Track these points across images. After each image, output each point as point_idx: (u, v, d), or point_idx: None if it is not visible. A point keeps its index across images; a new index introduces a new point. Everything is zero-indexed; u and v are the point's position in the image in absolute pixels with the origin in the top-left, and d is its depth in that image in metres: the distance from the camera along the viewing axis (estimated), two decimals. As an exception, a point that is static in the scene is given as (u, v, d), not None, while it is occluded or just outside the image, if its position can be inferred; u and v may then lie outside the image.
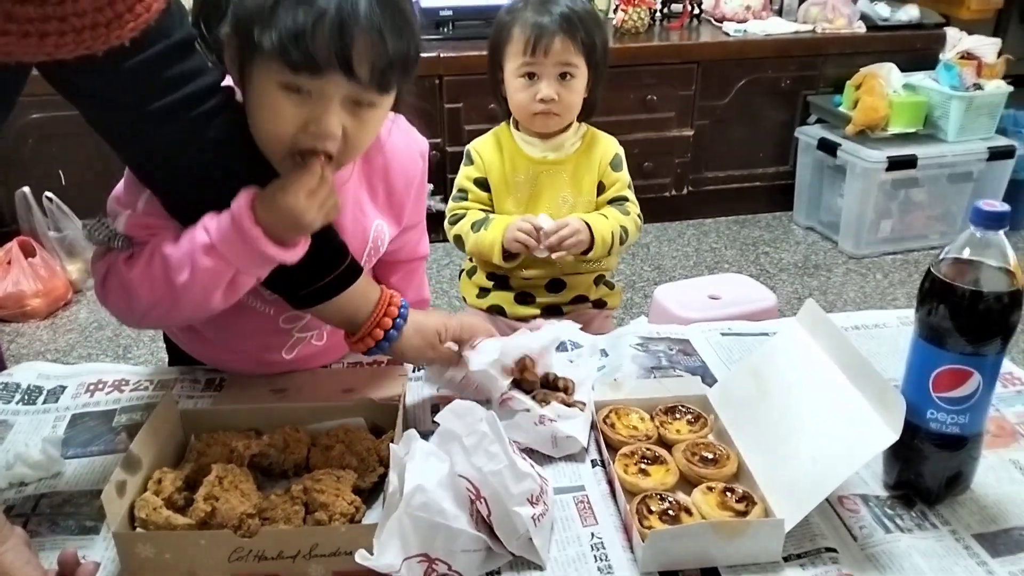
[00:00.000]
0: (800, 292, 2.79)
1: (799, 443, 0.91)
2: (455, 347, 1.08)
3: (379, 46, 0.85)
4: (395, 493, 0.83)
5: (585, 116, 1.57)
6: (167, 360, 1.30)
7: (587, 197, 1.57)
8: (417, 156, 1.17)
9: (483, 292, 1.65)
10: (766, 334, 1.31)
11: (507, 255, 1.50)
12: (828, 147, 3.07)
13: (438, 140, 3.01)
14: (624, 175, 1.57)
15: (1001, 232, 0.84)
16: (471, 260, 1.66)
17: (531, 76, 1.45)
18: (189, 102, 0.87)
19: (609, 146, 1.57)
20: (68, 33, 0.67)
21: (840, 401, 0.90)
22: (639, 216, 1.57)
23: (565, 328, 1.24)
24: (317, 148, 0.88)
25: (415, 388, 1.16)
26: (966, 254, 0.85)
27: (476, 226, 1.52)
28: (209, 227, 0.88)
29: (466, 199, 1.57)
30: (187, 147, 0.89)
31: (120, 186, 0.97)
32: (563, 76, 1.45)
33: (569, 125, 1.55)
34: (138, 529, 0.84)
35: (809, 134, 3.18)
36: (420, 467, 0.84)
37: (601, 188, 1.57)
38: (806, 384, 0.96)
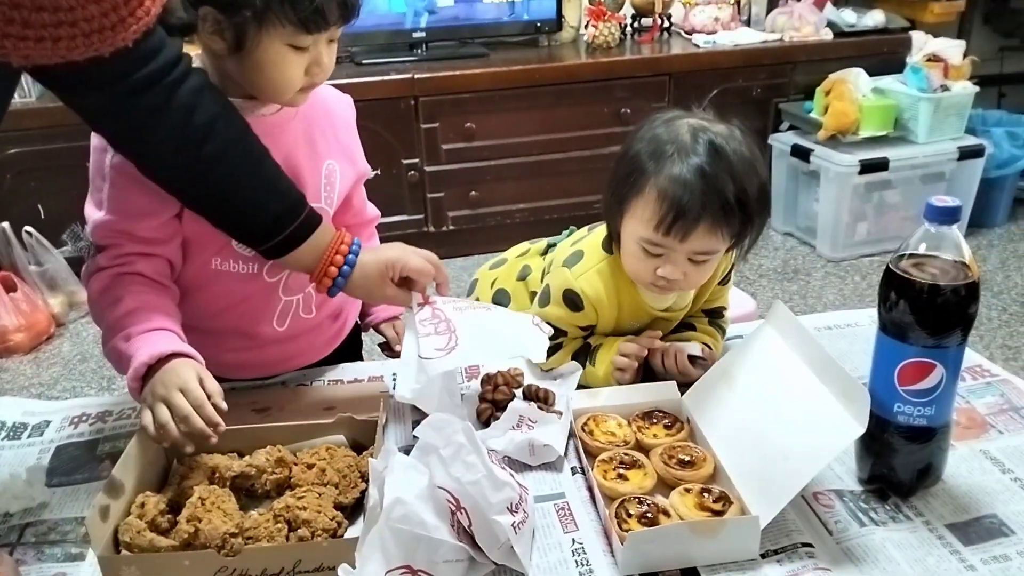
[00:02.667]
0: (781, 297, 2.82)
1: (771, 441, 0.93)
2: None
3: None
4: (375, 507, 0.84)
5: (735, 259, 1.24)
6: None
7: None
8: (346, 102, 1.25)
9: None
10: (741, 337, 1.33)
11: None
12: (801, 153, 3.11)
13: (416, 160, 3.04)
14: (730, 285, 1.32)
15: (955, 226, 0.87)
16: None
17: (655, 254, 1.10)
18: (159, 74, 0.93)
19: (727, 262, 1.25)
20: (78, 37, 0.73)
21: (809, 399, 0.92)
22: (725, 330, 1.33)
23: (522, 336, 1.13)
24: (316, 82, 1.06)
25: (396, 405, 1.17)
26: (922, 249, 0.88)
27: (579, 357, 1.22)
28: (131, 337, 1.00)
29: (564, 334, 1.22)
30: (160, 114, 0.95)
31: (89, 193, 1.07)
32: (695, 262, 1.11)
33: None
34: (123, 552, 0.85)
35: (782, 141, 3.22)
36: (400, 480, 0.85)
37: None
38: (776, 384, 0.98)
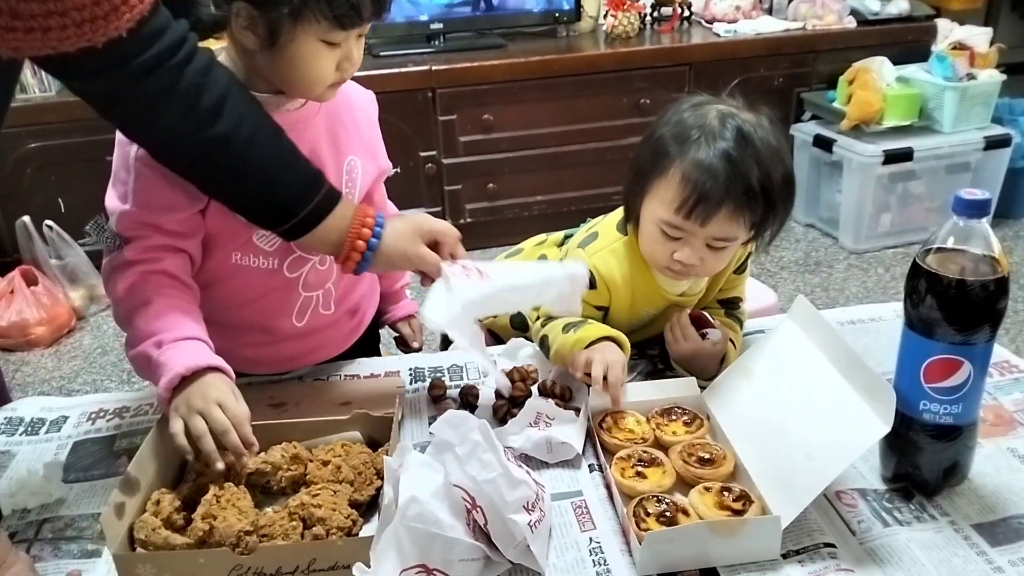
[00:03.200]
0: (802, 289, 2.79)
1: (793, 440, 0.91)
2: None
3: None
4: (390, 505, 0.83)
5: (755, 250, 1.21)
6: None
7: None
8: (369, 98, 1.24)
9: None
10: (762, 332, 1.31)
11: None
12: (824, 143, 3.07)
13: (433, 152, 3.02)
14: (747, 275, 1.29)
15: (984, 220, 0.84)
16: None
17: (670, 235, 1.10)
18: (163, 56, 0.89)
19: (743, 251, 1.23)
20: (69, 27, 0.72)
21: (832, 396, 0.90)
22: (744, 322, 1.30)
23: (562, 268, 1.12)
24: (345, 77, 1.05)
25: (411, 400, 1.17)
26: (950, 243, 0.86)
27: (569, 328, 1.16)
28: (162, 343, 0.98)
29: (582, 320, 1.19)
30: (168, 97, 0.92)
31: (111, 184, 1.05)
32: (713, 248, 1.10)
33: None
34: (138, 550, 0.85)
35: (804, 131, 3.18)
36: (415, 478, 0.84)
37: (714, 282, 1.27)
38: (798, 380, 0.96)
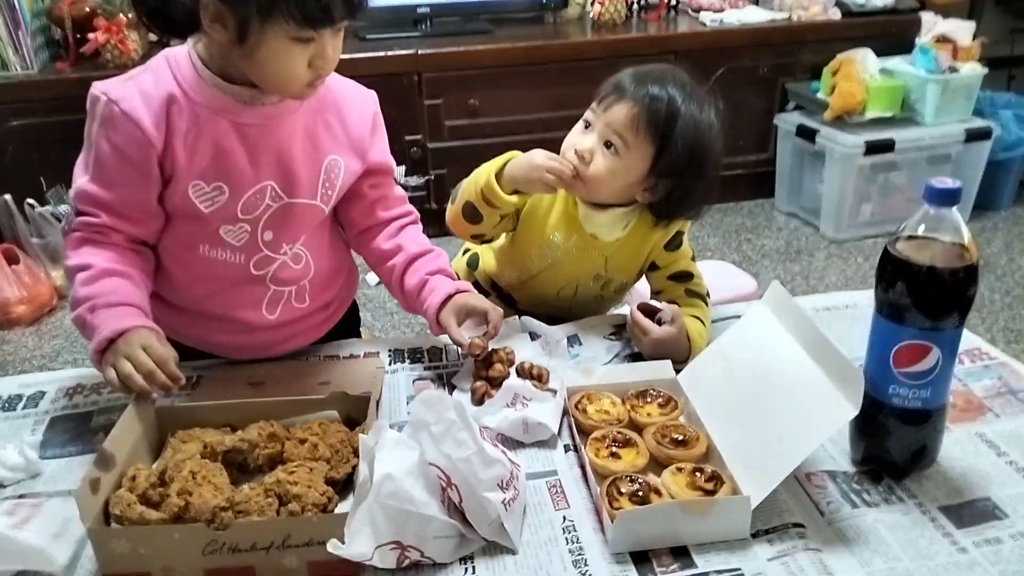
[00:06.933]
0: (783, 277, 2.81)
1: (765, 422, 0.92)
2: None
3: None
4: (365, 482, 0.84)
5: (656, 218, 1.26)
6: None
7: (623, 278, 1.36)
8: (367, 96, 1.22)
9: (480, 291, 1.36)
10: (739, 316, 1.32)
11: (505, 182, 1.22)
12: (807, 133, 3.08)
13: (418, 136, 3.02)
14: (686, 249, 1.32)
15: (954, 208, 0.85)
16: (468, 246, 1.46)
17: (587, 125, 1.22)
18: None
19: (670, 228, 1.28)
20: None
21: (803, 379, 0.91)
22: (707, 294, 1.32)
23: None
24: (321, 75, 1.03)
25: (391, 380, 1.17)
26: (921, 231, 0.87)
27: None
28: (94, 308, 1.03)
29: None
30: None
31: (82, 152, 1.07)
32: (608, 145, 1.19)
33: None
34: (113, 525, 0.85)
35: (788, 121, 3.19)
36: (390, 456, 0.85)
37: (653, 266, 1.33)
38: (771, 364, 0.97)
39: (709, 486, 0.90)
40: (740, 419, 0.96)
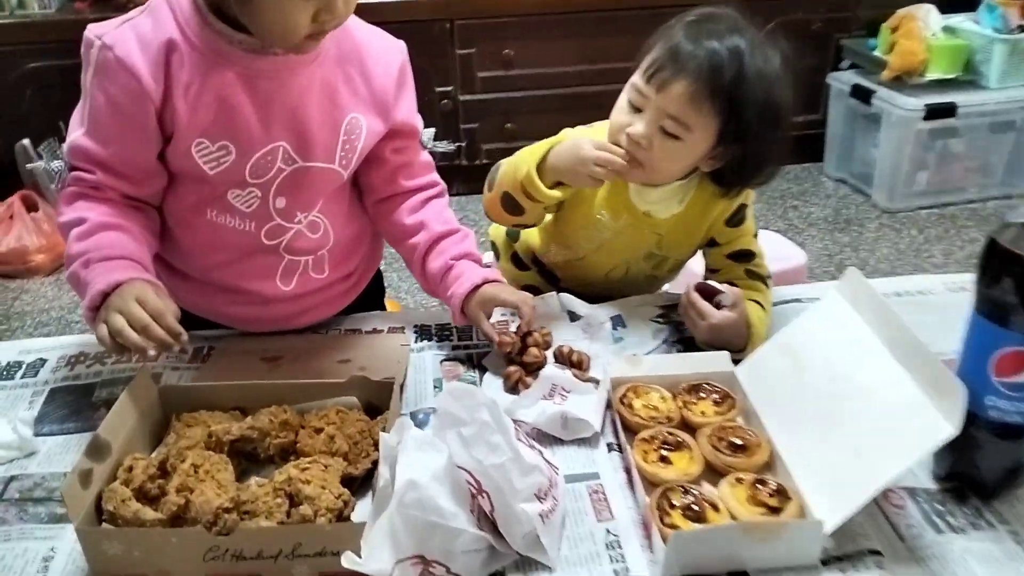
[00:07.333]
0: (830, 249, 2.67)
1: (841, 432, 0.81)
2: None
3: None
4: (386, 487, 0.74)
5: (720, 187, 1.12)
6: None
7: (678, 256, 1.23)
8: (393, 47, 1.08)
9: (520, 264, 1.33)
10: (799, 300, 1.20)
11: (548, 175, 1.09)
12: (862, 94, 2.91)
13: (450, 88, 2.89)
14: (749, 225, 1.18)
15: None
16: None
17: (635, 108, 1.05)
18: None
19: (733, 200, 1.14)
20: None
21: (888, 385, 0.80)
22: (769, 276, 1.18)
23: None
24: (326, 29, 0.91)
25: (417, 360, 1.07)
26: (1038, 220, 0.74)
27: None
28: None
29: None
30: None
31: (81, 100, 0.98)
32: (665, 132, 1.03)
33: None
34: (105, 524, 0.77)
35: (842, 80, 3.02)
36: (413, 459, 0.75)
37: (712, 242, 1.19)
38: (848, 364, 0.86)
39: (773, 502, 0.80)
40: (810, 426, 0.85)
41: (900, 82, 2.85)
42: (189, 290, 1.09)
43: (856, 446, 0.78)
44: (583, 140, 1.06)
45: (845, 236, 2.76)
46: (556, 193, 1.08)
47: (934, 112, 2.76)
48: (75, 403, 1.01)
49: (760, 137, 1.03)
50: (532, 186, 1.07)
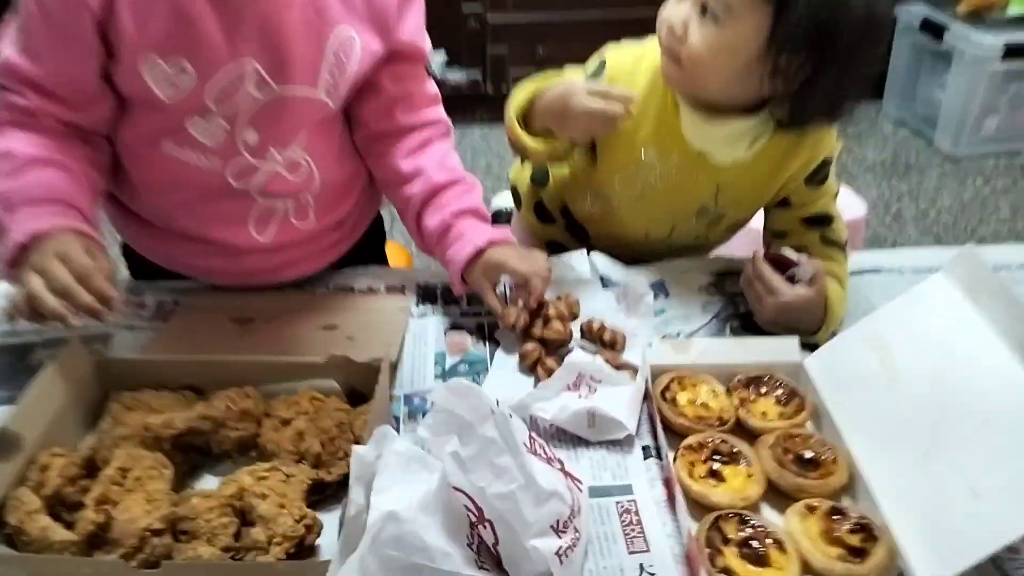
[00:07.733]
0: (887, 196, 2.44)
1: (948, 458, 0.63)
2: None
3: None
4: (359, 516, 0.58)
5: (789, 122, 0.89)
6: (128, 273, 1.05)
7: (737, 215, 1.04)
8: None
9: (544, 216, 1.13)
10: (877, 271, 1.01)
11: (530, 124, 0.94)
12: (933, 29, 2.66)
13: (477, 4, 2.67)
14: (831, 184, 1.00)
15: None
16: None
17: None
18: None
19: (815, 152, 0.95)
20: None
21: (1017, 402, 0.61)
22: (846, 243, 1.00)
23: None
24: None
25: (417, 328, 0.90)
26: None
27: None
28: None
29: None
30: None
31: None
32: (705, 11, 0.83)
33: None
34: (1, 546, 0.61)
35: (910, 13, 2.76)
36: (395, 480, 0.58)
37: (784, 202, 1.00)
38: (960, 369, 0.67)
39: (855, 541, 0.63)
40: (905, 444, 0.67)
41: (977, 17, 2.60)
42: (149, 236, 0.92)
43: (972, 481, 0.60)
44: (576, 86, 0.88)
45: (904, 184, 2.52)
46: (540, 146, 0.91)
47: (1014, 52, 2.51)
48: (7, 367, 0.86)
49: (829, 47, 0.80)
50: (516, 138, 0.91)
